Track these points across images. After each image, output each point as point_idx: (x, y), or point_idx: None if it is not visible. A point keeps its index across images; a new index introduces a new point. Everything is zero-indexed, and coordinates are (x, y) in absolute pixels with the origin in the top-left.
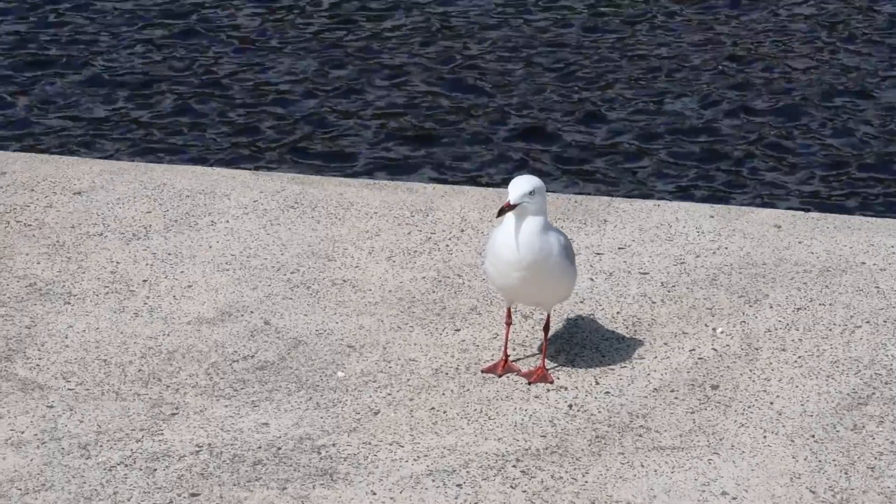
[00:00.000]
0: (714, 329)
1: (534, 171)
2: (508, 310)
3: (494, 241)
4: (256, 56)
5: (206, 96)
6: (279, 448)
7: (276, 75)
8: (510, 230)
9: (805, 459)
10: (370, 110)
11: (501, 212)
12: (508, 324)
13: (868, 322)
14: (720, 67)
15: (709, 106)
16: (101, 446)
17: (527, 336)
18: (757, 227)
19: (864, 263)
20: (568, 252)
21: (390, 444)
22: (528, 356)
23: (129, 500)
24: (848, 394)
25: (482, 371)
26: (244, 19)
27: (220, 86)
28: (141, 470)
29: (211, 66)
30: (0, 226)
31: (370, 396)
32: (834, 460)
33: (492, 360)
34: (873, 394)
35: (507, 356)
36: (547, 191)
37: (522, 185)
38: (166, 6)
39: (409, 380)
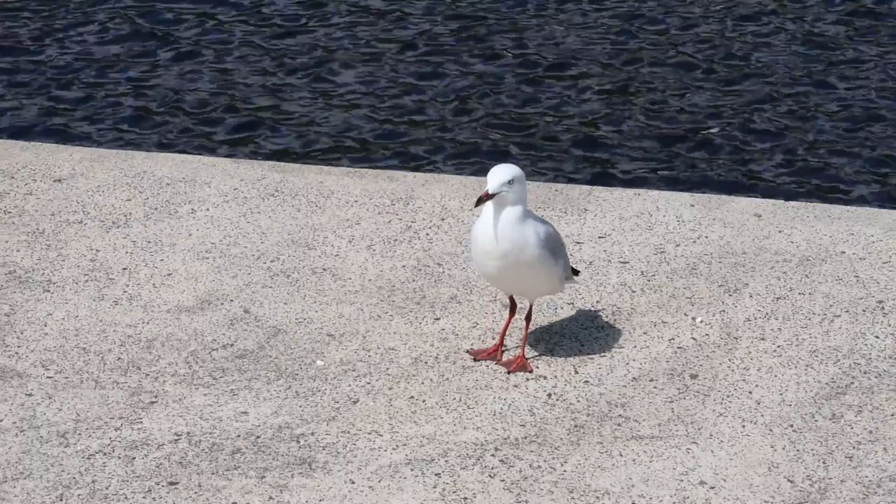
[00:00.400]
0: (693, 318)
1: (513, 160)
2: (511, 297)
3: (474, 231)
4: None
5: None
6: (258, 437)
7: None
8: (489, 219)
9: (783, 449)
10: (339, 98)
11: (479, 201)
12: (512, 314)
13: (847, 311)
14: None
15: (691, 93)
16: (79, 434)
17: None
18: (737, 216)
19: (843, 252)
20: (549, 244)
21: (369, 433)
22: (508, 345)
23: (107, 489)
24: (827, 383)
25: (468, 352)
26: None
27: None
28: (119, 458)
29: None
30: None
31: (349, 385)
32: (812, 450)
33: (471, 348)
34: (852, 383)
35: (501, 346)
36: (528, 180)
37: (501, 174)
38: None
39: (388, 369)
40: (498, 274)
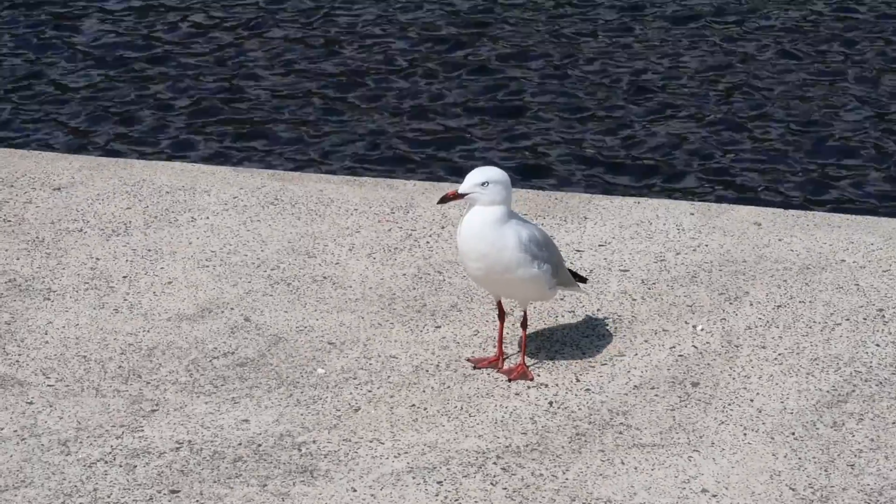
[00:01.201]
0: (694, 326)
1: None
2: (499, 304)
3: (458, 233)
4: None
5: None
6: (259, 445)
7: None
8: (470, 221)
9: (785, 457)
10: (354, 107)
11: (444, 199)
12: (502, 320)
13: (848, 320)
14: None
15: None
16: (80, 443)
17: (507, 332)
18: (737, 224)
19: (843, 261)
20: (531, 247)
21: (371, 442)
22: (508, 353)
23: (109, 497)
24: (828, 391)
25: (468, 360)
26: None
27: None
28: (121, 466)
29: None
30: None
31: (350, 393)
32: (814, 458)
33: (472, 356)
34: (853, 391)
35: (502, 355)
36: (531, 188)
37: (476, 175)
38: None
39: (389, 377)
40: (480, 276)
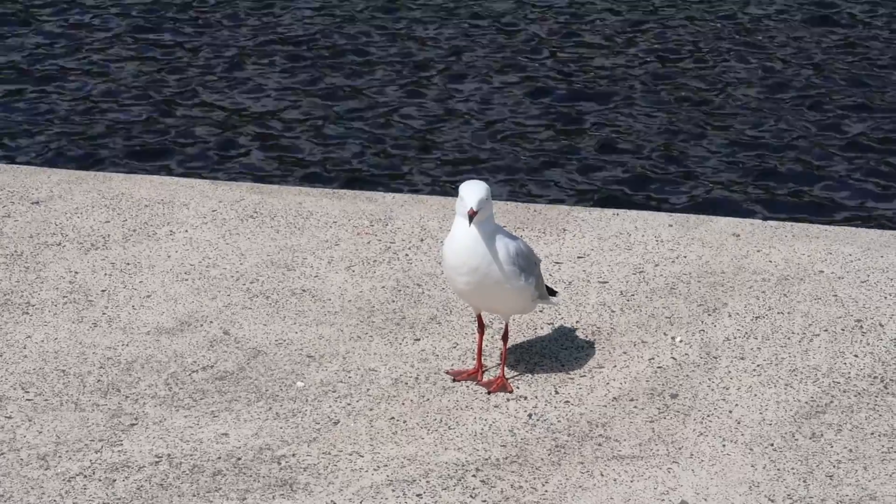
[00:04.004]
0: (673, 338)
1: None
2: (479, 317)
3: (445, 247)
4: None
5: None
6: (239, 458)
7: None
8: (458, 235)
9: (764, 468)
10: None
11: (471, 219)
12: (481, 332)
13: (826, 330)
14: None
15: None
16: (59, 457)
17: (486, 344)
18: (715, 235)
19: (822, 272)
20: (518, 260)
21: (350, 455)
22: (487, 365)
23: None
24: (806, 402)
25: (447, 372)
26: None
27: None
28: (100, 481)
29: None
30: None
31: (330, 406)
32: (793, 468)
33: (451, 368)
34: (831, 402)
35: (481, 367)
36: (508, 200)
37: (478, 191)
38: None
39: (368, 389)
40: (468, 290)
